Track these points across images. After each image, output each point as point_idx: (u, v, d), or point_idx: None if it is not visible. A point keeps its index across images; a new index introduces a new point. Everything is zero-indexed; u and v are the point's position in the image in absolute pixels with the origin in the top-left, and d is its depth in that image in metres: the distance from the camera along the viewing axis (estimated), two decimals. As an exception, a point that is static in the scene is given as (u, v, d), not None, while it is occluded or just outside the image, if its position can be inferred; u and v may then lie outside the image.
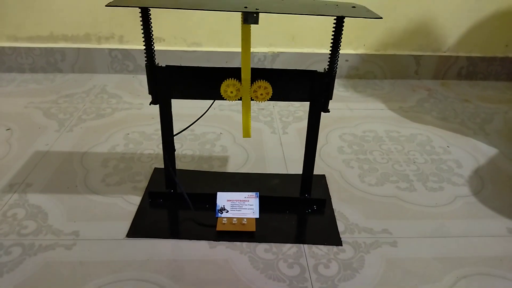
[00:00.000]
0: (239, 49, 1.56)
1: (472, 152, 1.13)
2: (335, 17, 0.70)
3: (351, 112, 1.33)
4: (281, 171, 1.01)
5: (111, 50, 1.51)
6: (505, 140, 1.20)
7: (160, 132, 1.14)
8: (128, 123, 1.20)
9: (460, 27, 1.58)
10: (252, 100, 0.74)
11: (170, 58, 1.52)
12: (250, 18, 0.65)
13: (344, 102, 1.40)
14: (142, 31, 0.69)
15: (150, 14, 0.69)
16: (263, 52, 1.54)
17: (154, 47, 0.71)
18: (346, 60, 1.59)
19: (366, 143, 1.15)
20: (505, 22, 1.57)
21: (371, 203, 0.90)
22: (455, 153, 1.12)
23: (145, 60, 0.72)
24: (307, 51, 1.56)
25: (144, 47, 0.71)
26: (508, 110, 1.41)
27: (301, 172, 0.98)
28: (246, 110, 0.74)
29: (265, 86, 0.72)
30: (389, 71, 1.63)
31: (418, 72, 1.64)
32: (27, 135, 1.11)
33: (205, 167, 1.01)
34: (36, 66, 1.52)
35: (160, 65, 0.73)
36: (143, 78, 1.52)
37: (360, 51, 1.58)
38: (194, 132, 1.16)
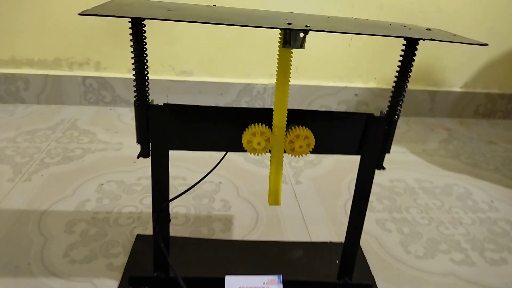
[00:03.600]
0: (234, 80, 1.36)
1: (522, 208, 0.94)
2: (405, 41, 0.50)
3: (370, 156, 1.14)
4: (303, 236, 0.79)
5: (85, 78, 1.28)
6: (553, 193, 1.02)
7: (144, 181, 0.90)
8: (102, 169, 0.95)
9: (477, 62, 1.44)
10: (285, 152, 0.53)
11: (155, 88, 1.30)
12: (294, 38, 0.44)
13: (359, 143, 1.21)
14: (133, 54, 0.48)
15: (145, 32, 0.47)
16: (263, 84, 1.35)
17: (148, 78, 0.49)
18: (356, 95, 1.41)
19: (397, 196, 0.95)
20: (524, 57, 1.45)
21: (426, 285, 0.69)
22: (503, 210, 0.93)
23: (135, 97, 0.50)
24: (312, 83, 1.38)
25: (134, 77, 0.49)
26: (539, 155, 1.25)
27: (327, 239, 0.77)
28: (277, 168, 0.52)
29: (305, 135, 0.51)
30: (402, 107, 1.45)
31: (433, 110, 1.47)
32: (-31, 185, 0.86)
33: (203, 232, 0.77)
34: (-8, 95, 1.27)
35: (155, 103, 0.51)
36: (123, 111, 1.29)
37: (371, 85, 1.41)
38: (187, 181, 0.93)
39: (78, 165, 0.97)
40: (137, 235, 0.74)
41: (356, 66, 1.37)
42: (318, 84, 1.38)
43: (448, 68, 1.43)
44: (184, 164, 0.99)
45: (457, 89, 1.47)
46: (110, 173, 0.94)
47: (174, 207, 0.83)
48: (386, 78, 1.41)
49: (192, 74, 1.32)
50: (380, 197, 0.94)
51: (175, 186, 0.90)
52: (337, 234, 0.80)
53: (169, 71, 1.30)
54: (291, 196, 0.92)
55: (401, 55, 0.52)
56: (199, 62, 1.30)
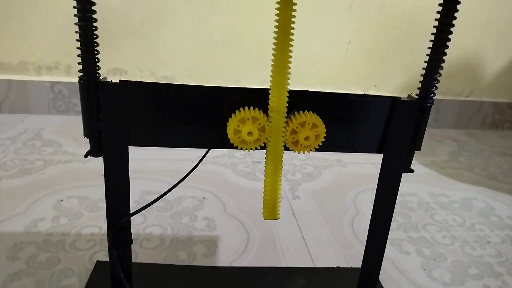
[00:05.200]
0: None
1: (554, 225, 0.82)
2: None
3: (375, 167, 1.01)
4: (304, 261, 0.64)
5: (54, 83, 1.14)
6: None
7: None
8: (64, 183, 0.81)
9: (485, 68, 1.34)
10: (287, 149, 0.39)
11: (133, 95, 1.16)
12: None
13: (361, 154, 1.08)
14: (76, 7, 0.34)
15: (91, -24, 0.34)
16: (254, 91, 1.22)
17: (97, 43, 0.36)
18: (355, 103, 1.29)
19: (412, 212, 0.81)
20: (533, 63, 1.35)
21: (461, 321, 0.55)
22: (533, 227, 0.80)
23: (79, 71, 0.37)
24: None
25: (79, 43, 0.36)
26: (557, 166, 1.13)
27: (333, 263, 0.63)
28: (275, 168, 0.39)
29: (313, 123, 0.38)
30: (404, 117, 1.34)
31: (438, 120, 1.36)
32: None
33: (182, 257, 0.63)
34: None
35: (109, 80, 0.37)
36: (96, 120, 1.15)
37: (371, 92, 1.30)
38: (165, 196, 0.79)
39: (36, 178, 0.82)
40: (97, 261, 0.59)
41: (355, 71, 1.26)
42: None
43: (453, 76, 1.33)
44: (161, 177, 0.85)
45: (463, 98, 1.36)
46: (72, 188, 0.79)
47: (147, 227, 0.69)
48: (387, 85, 1.30)
49: (175, 80, 1.19)
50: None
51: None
52: (345, 257, 0.66)
53: (148, 76, 1.17)
54: (288, 212, 0.78)
55: (436, 19, 0.39)
56: (182, 66, 1.18)
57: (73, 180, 0.82)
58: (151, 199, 0.77)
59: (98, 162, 0.89)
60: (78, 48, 0.36)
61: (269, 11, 1.11)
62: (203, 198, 0.80)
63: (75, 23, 0.35)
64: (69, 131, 1.06)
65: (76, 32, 0.35)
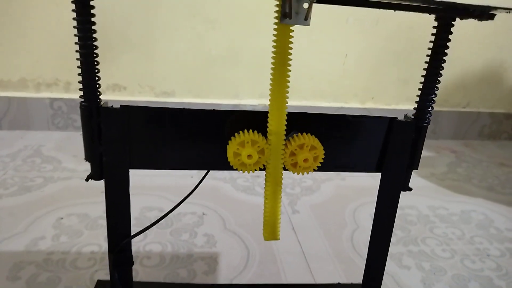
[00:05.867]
0: (221, 101, 1.25)
1: (553, 237, 0.82)
2: (436, 21, 0.39)
3: (374, 180, 1.01)
4: (304, 277, 0.64)
5: (53, 100, 1.15)
6: None
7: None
8: (64, 200, 0.81)
9: (481, 79, 1.35)
10: (286, 170, 0.40)
11: (132, 110, 1.17)
12: (295, 9, 0.32)
13: (360, 167, 1.08)
14: (77, 32, 0.35)
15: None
16: (253, 105, 1.23)
17: (98, 70, 0.37)
18: (353, 116, 1.30)
19: (411, 225, 0.82)
20: (528, 74, 1.37)
21: (462, 337, 0.55)
22: (532, 239, 0.81)
23: (80, 96, 0.37)
24: (305, 104, 1.27)
25: (80, 71, 0.36)
26: (555, 176, 1.14)
27: (334, 279, 0.63)
28: (274, 190, 0.39)
29: (312, 145, 0.38)
30: (402, 129, 1.35)
31: (436, 131, 1.37)
32: None
33: (182, 275, 0.63)
34: None
35: (110, 106, 0.38)
36: (95, 136, 1.15)
37: (368, 105, 1.31)
38: (164, 213, 0.79)
39: (36, 196, 0.82)
40: (98, 281, 0.59)
41: (352, 84, 1.27)
42: (311, 105, 1.27)
43: (450, 87, 1.34)
44: (161, 192, 0.85)
45: (460, 109, 1.37)
46: (72, 205, 0.79)
47: (147, 245, 0.69)
48: (384, 97, 1.31)
49: (174, 95, 1.20)
50: (391, 227, 0.80)
51: (149, 219, 0.76)
52: (345, 272, 0.66)
53: (148, 91, 1.18)
54: (287, 227, 0.78)
55: (431, 41, 0.40)
56: (181, 82, 1.18)
57: (73, 197, 0.82)
58: (151, 216, 0.78)
59: (98, 179, 0.89)
60: (79, 74, 0.37)
61: (267, 26, 1.13)
62: (203, 214, 0.80)
63: (76, 51, 0.36)
64: (68, 147, 1.07)
65: (77, 59, 0.36)
